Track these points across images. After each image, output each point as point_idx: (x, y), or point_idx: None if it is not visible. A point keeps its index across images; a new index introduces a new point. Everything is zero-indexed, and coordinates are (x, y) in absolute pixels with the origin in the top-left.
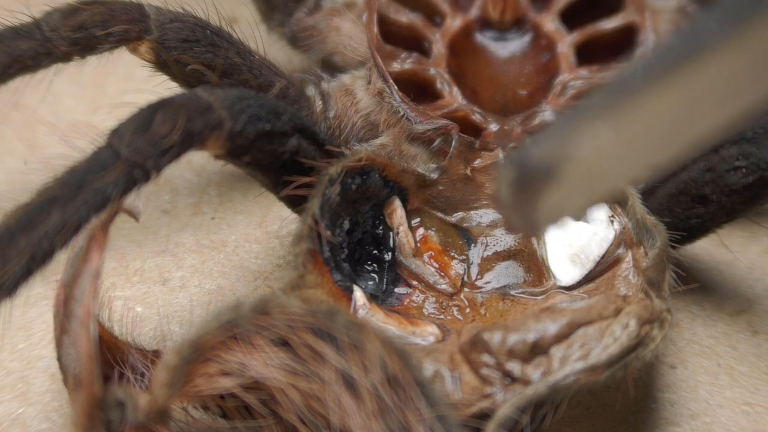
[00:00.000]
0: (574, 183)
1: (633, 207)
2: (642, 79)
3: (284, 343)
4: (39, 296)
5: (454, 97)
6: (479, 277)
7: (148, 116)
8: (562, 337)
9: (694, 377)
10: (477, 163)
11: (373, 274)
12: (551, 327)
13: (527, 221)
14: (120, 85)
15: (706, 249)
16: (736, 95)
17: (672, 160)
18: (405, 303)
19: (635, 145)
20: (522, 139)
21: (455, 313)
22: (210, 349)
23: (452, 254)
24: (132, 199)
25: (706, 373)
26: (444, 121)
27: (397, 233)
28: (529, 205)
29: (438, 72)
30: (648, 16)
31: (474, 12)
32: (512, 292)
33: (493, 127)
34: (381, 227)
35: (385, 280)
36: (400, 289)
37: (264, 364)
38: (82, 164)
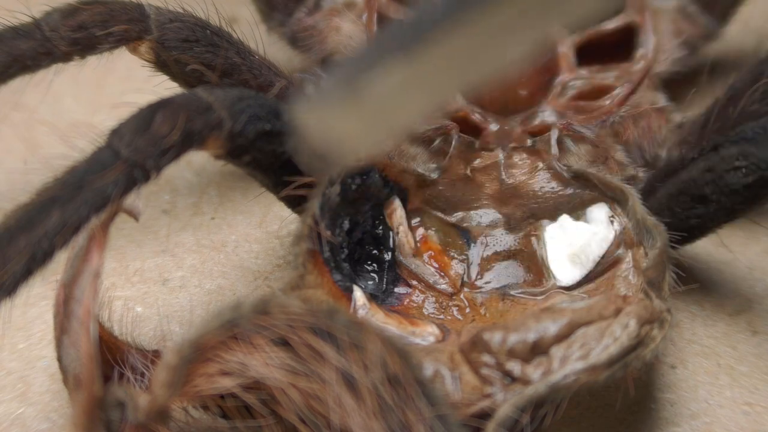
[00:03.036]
0: (369, 118)
1: (633, 207)
2: (440, 17)
3: (284, 343)
4: (39, 296)
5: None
6: (479, 277)
7: (148, 116)
8: (562, 337)
9: (694, 377)
10: (477, 163)
11: (373, 274)
12: (551, 327)
13: (321, 155)
14: (120, 85)
15: (706, 249)
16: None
17: (460, 91)
18: (405, 303)
19: (429, 80)
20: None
21: (455, 313)
22: (210, 348)
23: (452, 254)
24: (132, 199)
25: (706, 373)
26: (444, 121)
27: (397, 233)
28: (324, 138)
29: None
30: (648, 16)
31: None
32: (512, 292)
33: (493, 127)
34: (381, 227)
35: (385, 280)
36: (400, 289)
37: (264, 363)
38: (82, 164)
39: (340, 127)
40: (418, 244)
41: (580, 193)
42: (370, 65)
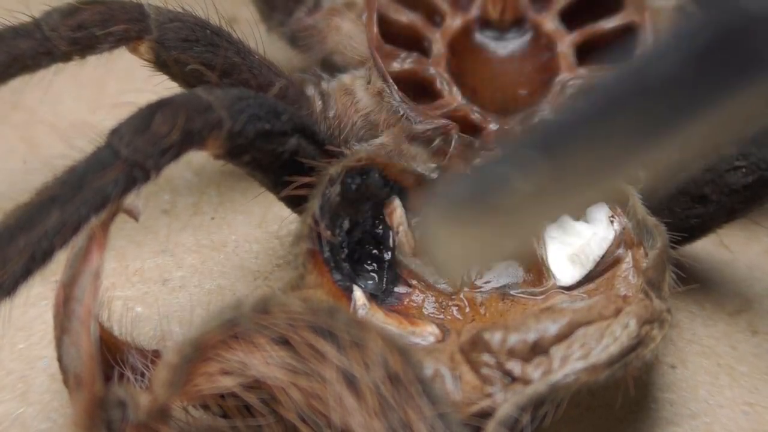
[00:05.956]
0: (501, 228)
1: (633, 207)
2: (581, 122)
3: (285, 342)
4: (39, 296)
5: (453, 96)
6: (479, 276)
7: (147, 116)
8: (562, 336)
9: (694, 377)
10: (477, 162)
11: (372, 274)
12: (551, 327)
13: (447, 265)
14: (120, 85)
15: (706, 249)
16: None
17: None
18: (405, 302)
19: (567, 188)
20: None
21: (455, 312)
22: (211, 348)
23: None
24: (132, 199)
25: (706, 373)
26: (443, 121)
27: (397, 233)
28: (453, 246)
29: (438, 71)
30: (648, 16)
31: (474, 11)
32: (512, 292)
33: (493, 126)
34: (381, 227)
35: (384, 279)
36: (399, 289)
37: (265, 362)
38: (82, 164)
39: (470, 237)
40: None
41: None
42: (506, 171)
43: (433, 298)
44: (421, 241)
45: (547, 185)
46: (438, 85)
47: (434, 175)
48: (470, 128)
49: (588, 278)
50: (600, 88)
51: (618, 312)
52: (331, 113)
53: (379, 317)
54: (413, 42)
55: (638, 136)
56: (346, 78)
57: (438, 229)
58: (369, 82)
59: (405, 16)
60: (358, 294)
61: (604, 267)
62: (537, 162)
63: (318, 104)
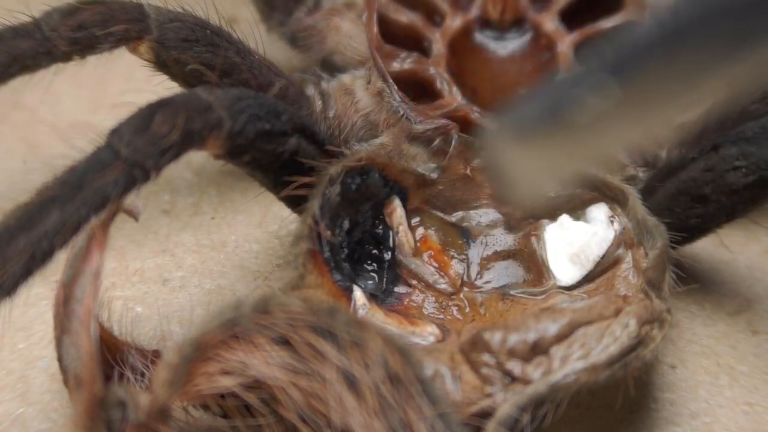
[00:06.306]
0: (570, 147)
1: (633, 207)
2: (657, 42)
3: (285, 342)
4: (39, 296)
5: (453, 96)
6: (479, 276)
7: (147, 116)
8: (562, 336)
9: (694, 377)
10: (477, 162)
11: (372, 274)
12: (551, 327)
13: (515, 185)
14: (120, 85)
15: (706, 249)
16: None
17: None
18: (405, 302)
19: (640, 109)
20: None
21: (455, 312)
22: (211, 347)
23: (452, 254)
24: (132, 199)
25: (706, 373)
26: (444, 121)
27: (397, 233)
28: (524, 164)
29: (438, 71)
30: (648, 15)
31: (474, 11)
32: (512, 292)
33: (493, 126)
34: (381, 227)
35: (384, 279)
36: (399, 289)
37: (265, 362)
38: (82, 164)
39: (539, 157)
40: (418, 244)
41: (579, 193)
42: (579, 91)
43: (433, 298)
44: (491, 160)
45: (619, 106)
46: (438, 85)
47: (434, 175)
48: (470, 128)
49: (588, 278)
50: (673, 10)
51: (618, 312)
52: (331, 113)
53: (379, 317)
54: (413, 42)
55: (710, 59)
56: (346, 78)
57: (509, 148)
58: (369, 82)
59: (405, 16)
60: (358, 294)
61: (604, 267)
62: (609, 83)
63: (318, 104)
